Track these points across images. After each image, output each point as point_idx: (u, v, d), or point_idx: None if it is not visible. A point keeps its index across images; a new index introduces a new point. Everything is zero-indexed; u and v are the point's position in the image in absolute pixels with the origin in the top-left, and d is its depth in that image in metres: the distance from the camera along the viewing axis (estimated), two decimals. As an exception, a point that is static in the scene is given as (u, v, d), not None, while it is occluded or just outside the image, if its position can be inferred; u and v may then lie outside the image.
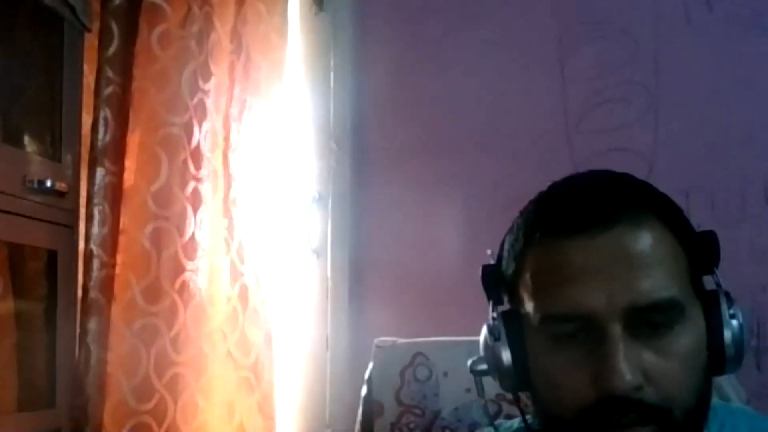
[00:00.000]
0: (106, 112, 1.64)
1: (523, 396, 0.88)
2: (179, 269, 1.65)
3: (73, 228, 1.59)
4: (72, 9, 1.57)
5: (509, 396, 0.93)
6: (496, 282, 0.89)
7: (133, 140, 1.65)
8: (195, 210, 1.68)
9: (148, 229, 1.62)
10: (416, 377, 1.35)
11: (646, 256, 0.80)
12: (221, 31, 1.77)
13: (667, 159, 1.79)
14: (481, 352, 0.89)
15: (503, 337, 0.85)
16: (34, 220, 1.47)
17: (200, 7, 1.71)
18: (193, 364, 1.66)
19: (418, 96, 1.91)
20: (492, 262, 0.90)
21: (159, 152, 1.64)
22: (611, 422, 0.78)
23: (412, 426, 1.33)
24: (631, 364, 0.77)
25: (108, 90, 1.64)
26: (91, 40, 1.66)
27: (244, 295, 1.76)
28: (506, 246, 0.89)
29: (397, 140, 1.91)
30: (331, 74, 1.96)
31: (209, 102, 1.73)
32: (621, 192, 0.85)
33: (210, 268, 1.72)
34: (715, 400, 0.89)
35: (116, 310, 1.60)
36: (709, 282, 0.86)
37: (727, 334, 0.82)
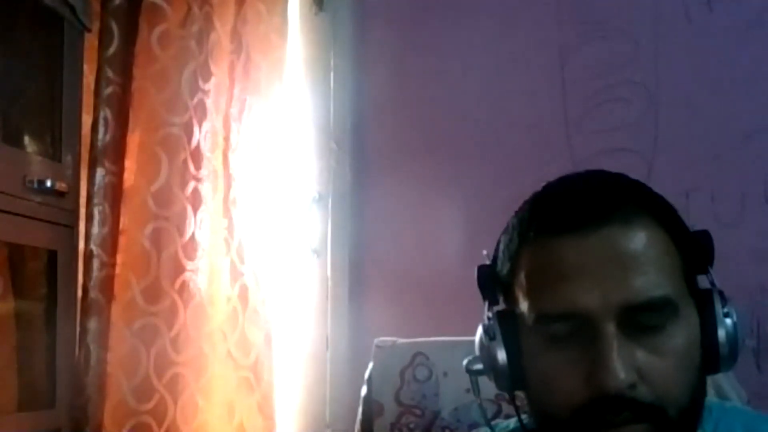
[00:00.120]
0: (106, 112, 1.64)
1: (521, 395, 0.89)
2: (179, 269, 1.65)
3: (73, 228, 1.59)
4: (72, 9, 1.57)
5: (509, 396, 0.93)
6: (492, 282, 0.89)
7: (133, 140, 1.65)
8: (195, 210, 1.68)
9: (148, 229, 1.62)
10: (416, 377, 1.35)
11: (640, 255, 0.80)
12: (221, 31, 1.77)
13: (667, 159, 1.78)
14: (477, 352, 0.89)
15: (498, 336, 0.85)
16: (34, 220, 1.47)
17: (200, 7, 1.71)
18: (193, 364, 1.66)
19: (418, 96, 1.91)
20: (488, 262, 0.91)
21: (159, 152, 1.64)
22: (605, 421, 0.78)
23: (411, 426, 1.33)
24: (624, 363, 0.77)
25: (108, 90, 1.64)
26: (91, 40, 1.66)
27: (244, 295, 1.77)
28: (501, 246, 0.89)
29: (397, 140, 1.91)
30: (331, 74, 1.96)
31: (209, 102, 1.73)
32: (615, 191, 0.85)
33: (210, 268, 1.72)
34: (710, 398, 0.89)
35: (116, 310, 1.60)
36: (705, 282, 0.86)
37: (721, 333, 0.82)
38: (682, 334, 0.81)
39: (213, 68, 1.74)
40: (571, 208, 0.82)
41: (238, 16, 1.81)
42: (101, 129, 1.63)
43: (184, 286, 1.65)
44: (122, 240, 1.62)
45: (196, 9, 1.70)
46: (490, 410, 1.28)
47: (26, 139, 1.53)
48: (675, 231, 0.84)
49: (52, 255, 1.54)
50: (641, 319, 0.79)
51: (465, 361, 0.90)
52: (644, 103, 1.81)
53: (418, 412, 1.34)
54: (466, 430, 1.30)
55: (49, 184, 1.47)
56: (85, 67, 1.66)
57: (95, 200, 1.62)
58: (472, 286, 0.91)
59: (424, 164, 1.88)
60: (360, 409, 1.39)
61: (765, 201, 1.75)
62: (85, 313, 1.60)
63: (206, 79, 1.72)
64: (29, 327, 1.52)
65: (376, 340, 1.41)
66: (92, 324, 1.60)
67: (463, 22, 1.91)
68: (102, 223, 1.63)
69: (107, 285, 1.61)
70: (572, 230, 0.81)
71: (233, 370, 1.75)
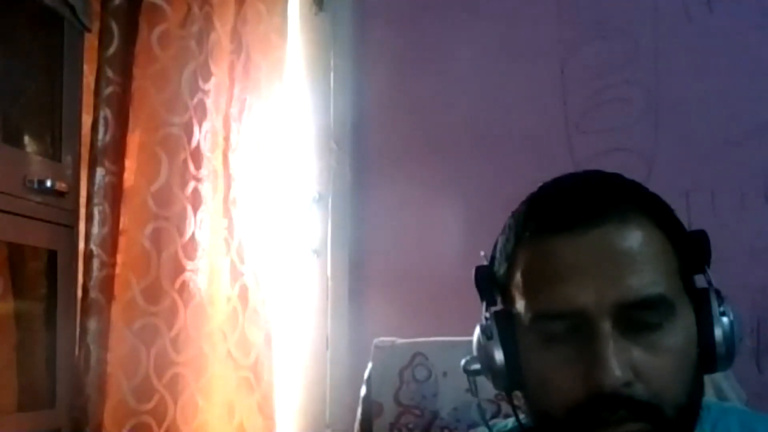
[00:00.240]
0: (106, 112, 1.64)
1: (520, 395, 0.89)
2: (179, 269, 1.65)
3: (73, 228, 1.59)
4: (72, 9, 1.57)
5: (508, 396, 0.94)
6: (489, 283, 0.89)
7: (133, 140, 1.65)
8: (195, 210, 1.68)
9: (148, 229, 1.62)
10: (415, 377, 1.35)
11: (635, 254, 0.80)
12: (221, 31, 1.77)
13: (667, 159, 1.78)
14: (474, 352, 0.89)
15: (495, 336, 0.86)
16: (34, 220, 1.47)
17: (200, 7, 1.71)
18: (193, 364, 1.66)
19: (418, 96, 1.91)
20: (485, 263, 0.91)
21: (159, 152, 1.64)
22: (602, 419, 0.78)
23: (411, 426, 1.33)
24: (620, 361, 0.77)
25: (108, 90, 1.64)
26: (91, 40, 1.66)
27: (244, 295, 1.77)
28: (498, 247, 0.90)
29: (397, 140, 1.91)
30: (331, 74, 1.96)
31: (209, 102, 1.73)
32: (610, 190, 0.85)
33: (210, 268, 1.72)
34: (708, 398, 0.89)
35: (116, 310, 1.60)
36: (704, 282, 0.86)
37: (718, 332, 0.82)
38: (678, 332, 0.81)
39: (213, 68, 1.74)
40: (567, 208, 0.83)
41: (238, 16, 1.81)
42: (101, 129, 1.63)
43: (184, 286, 1.65)
44: (122, 240, 1.62)
45: (196, 9, 1.70)
46: (489, 410, 1.28)
47: (26, 139, 1.53)
48: (671, 230, 0.84)
49: (52, 255, 1.53)
50: (637, 318, 0.79)
51: (463, 362, 0.90)
52: (644, 103, 1.81)
53: (417, 412, 1.34)
54: (465, 429, 1.30)
55: (49, 184, 1.47)
56: (85, 67, 1.66)
57: (95, 200, 1.62)
58: (471, 287, 0.91)
59: (424, 164, 1.88)
60: (359, 409, 1.39)
61: (765, 201, 1.75)
62: (85, 313, 1.60)
63: (206, 79, 1.72)
64: (29, 327, 1.52)
65: (375, 341, 1.41)
66: (92, 324, 1.60)
67: (463, 22, 1.91)
68: (102, 223, 1.63)
69: (107, 285, 1.61)
70: (568, 229, 0.81)
71: (233, 370, 1.75)
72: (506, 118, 1.86)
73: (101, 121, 1.63)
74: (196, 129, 1.69)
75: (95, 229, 1.62)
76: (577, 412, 0.79)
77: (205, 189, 1.71)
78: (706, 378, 0.86)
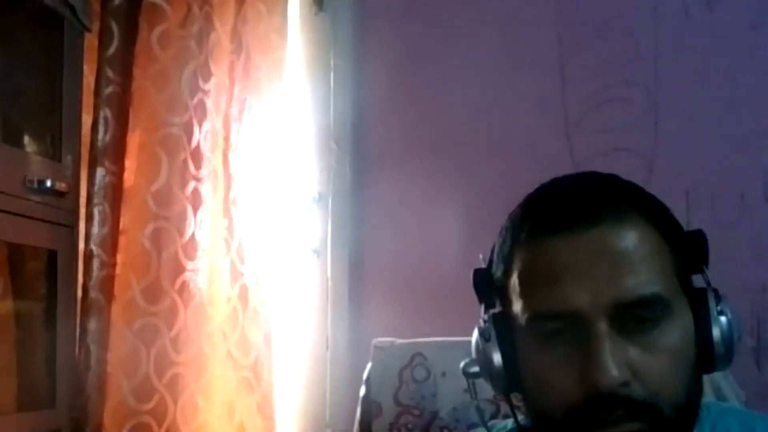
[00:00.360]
0: (106, 112, 1.64)
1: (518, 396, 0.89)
2: (179, 269, 1.65)
3: (73, 228, 1.59)
4: (72, 9, 1.57)
5: (508, 396, 0.94)
6: (487, 285, 0.89)
7: (133, 140, 1.65)
8: (195, 210, 1.68)
9: (148, 229, 1.62)
10: (414, 378, 1.35)
11: (630, 254, 0.80)
12: (221, 31, 1.77)
13: (667, 159, 1.78)
14: (473, 355, 0.89)
15: (493, 338, 0.86)
16: (34, 220, 1.47)
17: (200, 7, 1.71)
18: (193, 364, 1.66)
19: (418, 96, 1.91)
20: (484, 266, 0.91)
21: (159, 152, 1.64)
22: (599, 419, 0.78)
23: (410, 426, 1.33)
24: (617, 360, 0.77)
25: (108, 90, 1.64)
26: (91, 40, 1.66)
27: (244, 295, 1.77)
28: (495, 249, 0.90)
29: (397, 140, 1.91)
30: (331, 74, 1.96)
31: (209, 102, 1.73)
32: (605, 191, 0.86)
33: (210, 268, 1.72)
34: (708, 399, 0.89)
35: (116, 310, 1.60)
36: (702, 281, 0.86)
37: (716, 331, 0.82)
38: (675, 332, 0.81)
39: (213, 68, 1.74)
40: (562, 209, 0.83)
41: (238, 16, 1.81)
42: (101, 129, 1.63)
43: (184, 286, 1.65)
44: (122, 240, 1.62)
45: (196, 9, 1.70)
46: (489, 410, 1.28)
47: (26, 139, 1.53)
48: (668, 230, 0.84)
49: (52, 255, 1.54)
50: (633, 317, 0.79)
51: (462, 364, 0.90)
52: (644, 103, 1.81)
53: (416, 412, 1.34)
54: (465, 430, 1.30)
55: (49, 184, 1.47)
56: (85, 67, 1.66)
57: (95, 200, 1.62)
58: (471, 287, 0.92)
59: (424, 164, 1.88)
60: (359, 409, 1.39)
61: (765, 201, 1.75)
62: (85, 313, 1.60)
63: (206, 79, 1.72)
64: (29, 327, 1.52)
65: (374, 341, 1.41)
66: (92, 324, 1.60)
67: (463, 22, 1.91)
68: (102, 223, 1.63)
69: (107, 285, 1.61)
70: (563, 230, 0.81)
71: (233, 370, 1.75)
72: (506, 118, 1.86)
73: (101, 121, 1.63)
74: (196, 129, 1.69)
75: (95, 229, 1.62)
76: (575, 412, 0.79)
77: (205, 189, 1.71)
78: (705, 378, 0.86)
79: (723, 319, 0.82)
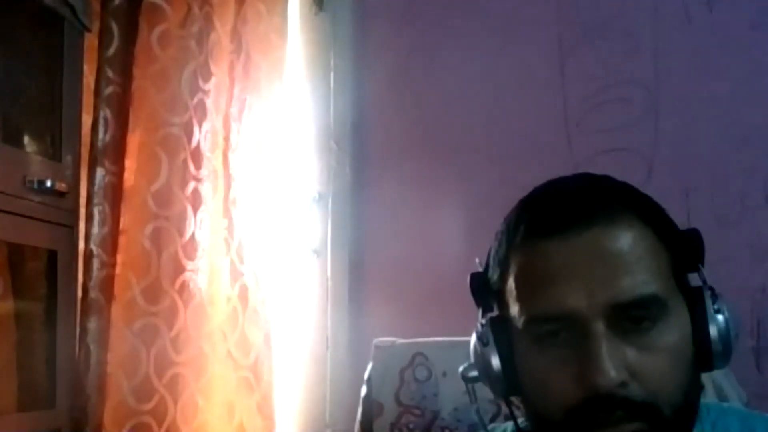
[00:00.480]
0: (106, 112, 1.64)
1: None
2: (179, 269, 1.65)
3: (73, 228, 1.59)
4: (72, 9, 1.56)
5: (509, 397, 0.94)
6: (484, 289, 0.89)
7: (133, 140, 1.65)
8: (195, 210, 1.68)
9: (148, 229, 1.62)
10: (415, 377, 1.35)
11: (626, 254, 0.80)
12: (221, 31, 1.77)
13: (667, 159, 1.79)
14: (471, 359, 0.89)
15: (491, 342, 0.86)
16: (34, 220, 1.47)
17: (200, 7, 1.71)
18: (193, 364, 1.66)
19: (418, 96, 1.91)
20: (480, 269, 0.91)
21: (159, 152, 1.64)
22: (598, 420, 0.78)
23: (411, 426, 1.33)
24: (614, 361, 0.77)
25: (108, 90, 1.64)
26: (91, 40, 1.66)
27: (244, 295, 1.77)
28: (491, 252, 0.90)
29: (397, 140, 1.91)
30: (331, 74, 1.96)
31: (209, 102, 1.73)
32: (599, 192, 0.86)
33: (210, 268, 1.72)
34: (708, 399, 0.89)
35: (116, 310, 1.60)
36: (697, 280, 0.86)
37: (713, 329, 0.82)
38: (672, 331, 0.81)
39: (213, 68, 1.74)
40: (556, 211, 0.83)
41: (238, 16, 1.81)
42: (101, 129, 1.63)
43: (184, 286, 1.65)
44: (122, 240, 1.62)
45: (196, 9, 1.70)
46: (490, 411, 1.28)
47: (26, 139, 1.53)
48: (662, 230, 0.84)
49: (52, 255, 1.53)
50: (630, 318, 0.79)
51: (461, 369, 0.90)
52: (644, 103, 1.81)
53: (417, 412, 1.34)
54: (466, 430, 1.30)
55: (49, 184, 1.47)
56: (85, 67, 1.66)
57: (95, 200, 1.62)
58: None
59: (424, 164, 1.88)
60: (360, 409, 1.39)
61: (765, 201, 1.75)
62: (85, 313, 1.60)
63: (206, 79, 1.72)
64: (29, 327, 1.52)
65: (375, 341, 1.41)
66: (92, 324, 1.60)
67: (463, 22, 1.91)
68: (102, 223, 1.63)
69: (107, 285, 1.61)
70: (558, 232, 0.81)
71: (233, 370, 1.75)
72: (506, 117, 1.86)
73: (101, 121, 1.63)
74: (196, 129, 1.69)
75: (95, 229, 1.62)
76: (574, 414, 0.79)
77: (205, 189, 1.71)
78: (706, 378, 0.86)
79: (720, 317, 0.82)
